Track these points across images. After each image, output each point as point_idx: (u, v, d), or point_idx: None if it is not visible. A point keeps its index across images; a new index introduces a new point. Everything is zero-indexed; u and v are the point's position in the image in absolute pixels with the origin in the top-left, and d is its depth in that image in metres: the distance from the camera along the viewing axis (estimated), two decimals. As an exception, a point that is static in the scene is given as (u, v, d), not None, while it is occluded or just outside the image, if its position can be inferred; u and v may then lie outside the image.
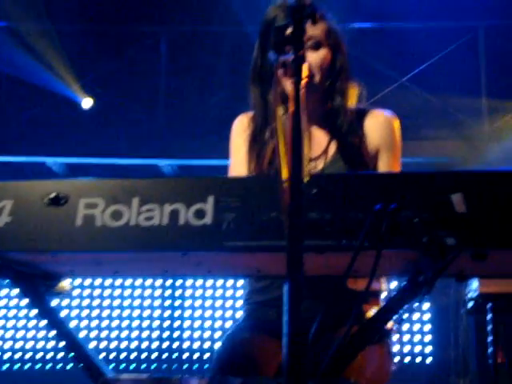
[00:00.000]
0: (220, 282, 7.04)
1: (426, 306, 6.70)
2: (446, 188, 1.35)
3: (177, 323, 7.05)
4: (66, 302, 7.04)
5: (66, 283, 1.73)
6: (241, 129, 2.38)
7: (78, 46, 7.32)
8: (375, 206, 1.34)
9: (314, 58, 2.22)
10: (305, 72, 1.38)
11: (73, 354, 1.63)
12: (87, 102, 7.49)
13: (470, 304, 4.81)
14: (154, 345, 7.00)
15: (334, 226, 1.36)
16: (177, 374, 6.61)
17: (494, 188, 1.35)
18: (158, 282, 7.07)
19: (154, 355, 6.96)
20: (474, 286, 4.39)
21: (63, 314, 6.84)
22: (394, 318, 1.56)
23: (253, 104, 2.34)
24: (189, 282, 7.09)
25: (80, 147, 7.16)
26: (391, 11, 6.99)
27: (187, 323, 7.03)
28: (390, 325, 2.21)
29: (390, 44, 7.03)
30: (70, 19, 7.32)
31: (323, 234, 1.37)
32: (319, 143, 2.29)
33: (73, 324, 6.96)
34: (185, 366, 6.87)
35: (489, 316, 4.48)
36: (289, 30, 1.37)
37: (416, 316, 6.67)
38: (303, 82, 1.34)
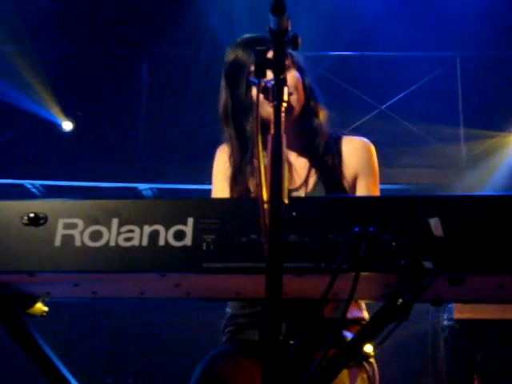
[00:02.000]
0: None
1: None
2: (423, 212, 1.37)
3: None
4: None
5: (42, 305, 1.71)
6: (221, 161, 2.40)
7: (59, 68, 7.32)
8: (354, 229, 1.35)
9: (288, 78, 2.25)
10: (286, 96, 1.40)
11: (46, 372, 1.61)
12: (67, 125, 7.47)
13: (447, 331, 4.84)
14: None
15: (313, 248, 1.37)
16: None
17: (471, 212, 1.36)
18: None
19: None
20: (451, 313, 4.43)
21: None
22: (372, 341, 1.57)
23: (229, 144, 2.36)
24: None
25: (59, 170, 7.13)
26: (372, 40, 7.10)
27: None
28: (370, 350, 2.21)
29: (370, 72, 7.13)
30: (51, 42, 7.33)
31: (302, 256, 1.37)
32: (299, 173, 2.32)
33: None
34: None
35: (465, 343, 4.50)
36: (270, 54, 1.39)
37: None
38: (284, 105, 1.36)
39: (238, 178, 2.32)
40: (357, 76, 7.12)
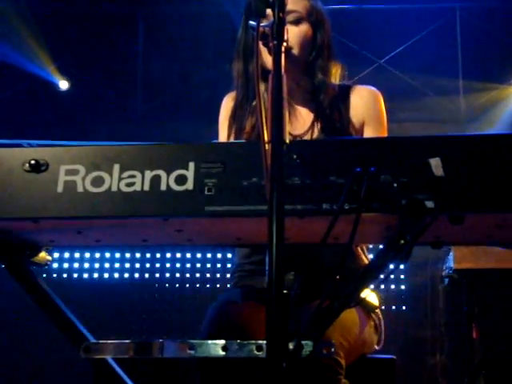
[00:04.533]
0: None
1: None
2: (424, 152, 1.37)
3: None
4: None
5: (45, 254, 1.73)
6: (226, 108, 2.41)
7: (54, 26, 7.23)
8: (355, 169, 1.35)
9: (294, 32, 2.22)
10: (285, 35, 1.38)
11: (54, 319, 1.63)
12: (64, 84, 7.42)
13: (446, 281, 4.90)
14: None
15: (314, 190, 1.38)
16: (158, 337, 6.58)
17: (471, 152, 1.37)
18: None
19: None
20: (451, 263, 4.47)
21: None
22: (373, 283, 1.59)
23: (235, 81, 2.36)
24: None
25: (57, 130, 7.09)
26: (370, -8, 7.01)
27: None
28: (376, 302, 2.25)
29: (368, 25, 7.04)
30: (46, 0, 7.24)
31: (304, 198, 1.38)
32: (304, 121, 2.31)
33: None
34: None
35: (464, 293, 4.56)
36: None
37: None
38: (284, 44, 1.35)
39: (236, 114, 2.32)
40: (355, 30, 7.03)
